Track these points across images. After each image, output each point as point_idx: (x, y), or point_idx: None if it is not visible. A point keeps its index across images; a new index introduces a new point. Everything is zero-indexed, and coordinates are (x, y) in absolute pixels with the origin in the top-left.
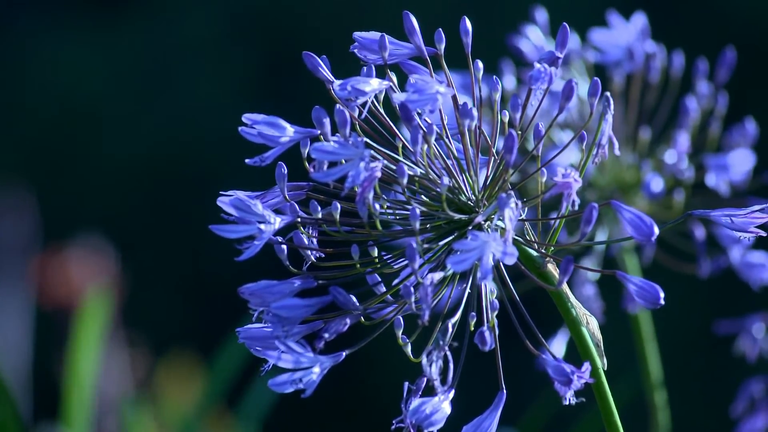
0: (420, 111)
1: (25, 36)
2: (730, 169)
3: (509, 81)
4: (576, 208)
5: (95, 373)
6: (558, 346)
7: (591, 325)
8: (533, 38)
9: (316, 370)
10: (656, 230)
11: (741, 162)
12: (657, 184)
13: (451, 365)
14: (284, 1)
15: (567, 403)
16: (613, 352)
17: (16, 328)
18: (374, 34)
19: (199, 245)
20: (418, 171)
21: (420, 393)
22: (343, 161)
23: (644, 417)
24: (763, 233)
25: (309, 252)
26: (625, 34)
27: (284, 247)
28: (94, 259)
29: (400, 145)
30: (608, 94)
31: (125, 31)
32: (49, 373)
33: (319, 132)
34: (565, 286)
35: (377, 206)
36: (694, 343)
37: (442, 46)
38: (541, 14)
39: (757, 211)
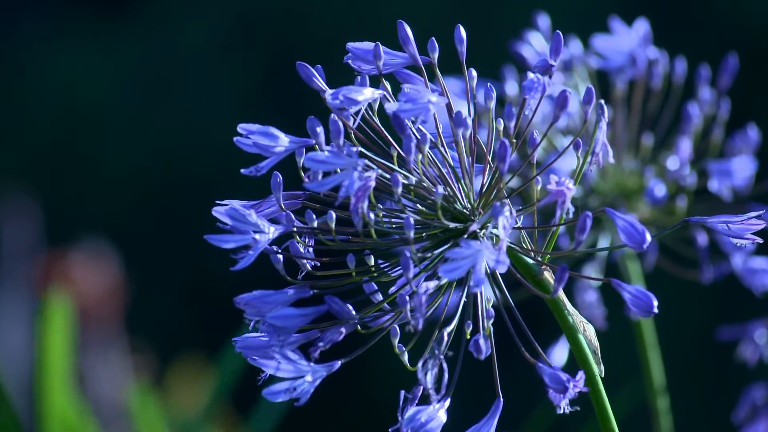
0: (413, 120)
1: (27, 43)
2: (733, 174)
3: (511, 87)
4: (571, 215)
5: (71, 378)
6: (560, 353)
7: (588, 333)
8: (535, 44)
9: (309, 379)
10: (648, 238)
11: (743, 168)
12: (660, 189)
13: (446, 374)
14: (285, 8)
15: (561, 411)
16: (615, 359)
17: (21, 333)
18: (368, 45)
19: (201, 251)
20: (413, 180)
21: (416, 401)
22: (337, 170)
23: (646, 423)
24: (759, 240)
25: (305, 261)
26: (627, 40)
27: (280, 256)
28: (98, 264)
29: (395, 154)
30: (602, 102)
31: (127, 39)
32: None
33: (313, 141)
34: (561, 294)
35: (372, 215)
36: (697, 348)
37: (436, 55)
38: (543, 20)
39: (753, 217)
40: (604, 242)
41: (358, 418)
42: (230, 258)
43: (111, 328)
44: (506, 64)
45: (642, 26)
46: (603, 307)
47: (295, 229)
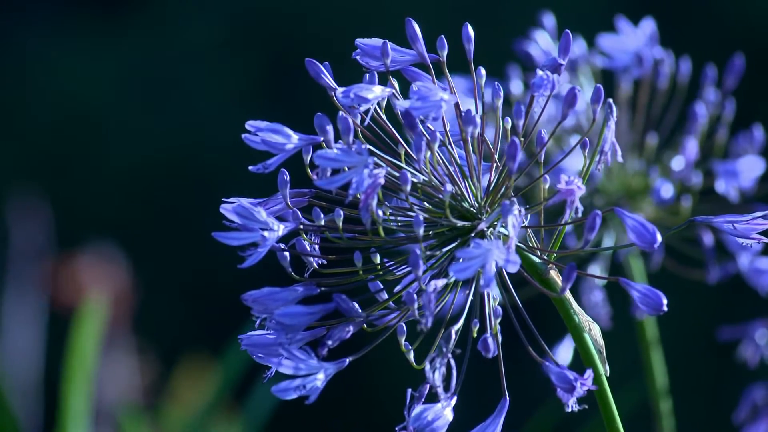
0: (423, 118)
1: (28, 44)
2: (740, 175)
3: (516, 86)
4: (580, 214)
5: (93, 379)
6: (565, 352)
7: (593, 332)
8: (541, 43)
9: (320, 376)
10: (659, 237)
11: (750, 168)
12: (667, 190)
13: (454, 372)
14: (286, 7)
15: (570, 410)
16: (618, 359)
17: (29, 335)
18: (376, 41)
19: (204, 250)
20: (421, 178)
21: (423, 400)
22: (347, 168)
23: (648, 423)
24: (766, 239)
25: (312, 259)
26: (633, 40)
27: (287, 254)
28: (105, 266)
29: (403, 152)
30: (611, 100)
31: (128, 39)
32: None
33: (322, 139)
34: (567, 293)
35: (380, 213)
36: (699, 349)
37: (445, 53)
38: (549, 19)
39: (759, 217)
40: (608, 242)
41: (356, 415)
42: (235, 257)
43: (118, 330)
44: (510, 63)
45: (648, 26)
46: (608, 307)
47: (302, 226)
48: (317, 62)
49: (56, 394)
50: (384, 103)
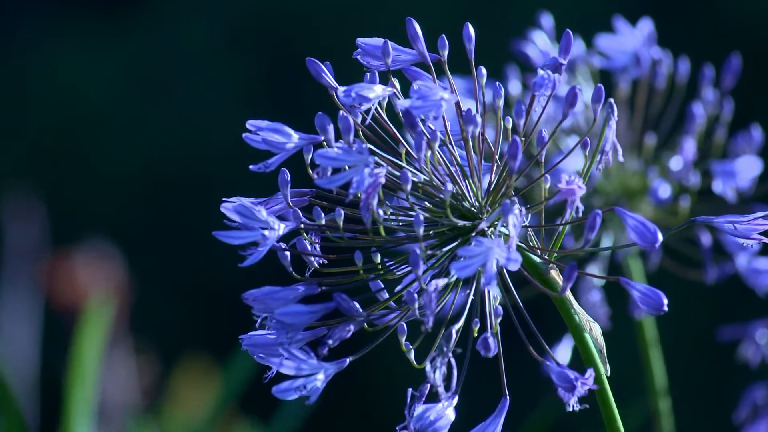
0: (424, 117)
1: (28, 43)
2: (737, 175)
3: (514, 86)
4: (580, 214)
5: (97, 380)
6: (563, 351)
7: (594, 332)
8: (539, 43)
9: (321, 377)
10: (660, 237)
11: (748, 168)
12: (664, 190)
13: (455, 371)
14: (285, 7)
15: (571, 409)
16: (617, 358)
17: (25, 333)
18: (377, 41)
19: (205, 250)
20: (422, 177)
21: (424, 399)
22: (347, 167)
23: (647, 423)
24: (766, 240)
25: (312, 258)
26: (631, 40)
27: (288, 253)
28: (102, 265)
29: (404, 152)
30: (612, 100)
31: (128, 38)
32: (57, 378)
33: (322, 138)
34: (568, 293)
35: (381, 212)
36: (699, 348)
37: (446, 53)
38: (547, 19)
39: (760, 218)
40: (606, 242)
41: (355, 415)
42: (235, 257)
43: (115, 329)
44: (508, 63)
45: (646, 26)
46: (607, 307)
47: (303, 226)
48: (318, 62)
49: (53, 392)
50: (385, 103)
